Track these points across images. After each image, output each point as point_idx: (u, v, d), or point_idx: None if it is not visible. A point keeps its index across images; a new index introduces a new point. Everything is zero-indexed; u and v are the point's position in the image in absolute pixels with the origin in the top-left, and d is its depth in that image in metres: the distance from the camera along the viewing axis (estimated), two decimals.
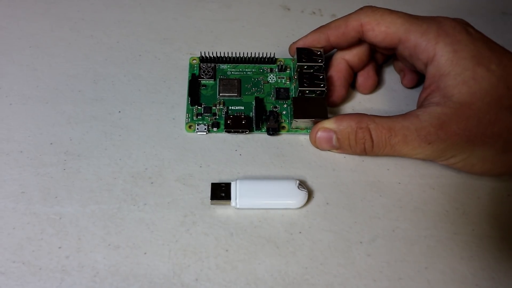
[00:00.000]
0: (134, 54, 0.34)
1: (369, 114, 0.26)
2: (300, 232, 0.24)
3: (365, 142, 0.26)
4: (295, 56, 0.29)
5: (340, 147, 0.27)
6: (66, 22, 0.36)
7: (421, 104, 0.26)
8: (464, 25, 0.25)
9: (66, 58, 0.33)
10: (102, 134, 0.28)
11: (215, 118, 0.29)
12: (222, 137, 0.29)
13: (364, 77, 0.31)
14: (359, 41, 0.29)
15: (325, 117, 0.27)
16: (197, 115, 0.29)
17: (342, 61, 0.30)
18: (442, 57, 0.25)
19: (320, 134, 0.27)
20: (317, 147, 0.28)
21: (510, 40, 0.36)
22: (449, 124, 0.24)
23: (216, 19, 0.37)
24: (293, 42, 0.31)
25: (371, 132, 0.25)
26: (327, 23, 0.29)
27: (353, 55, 0.30)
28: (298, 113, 0.27)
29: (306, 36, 0.30)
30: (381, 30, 0.27)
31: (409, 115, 0.25)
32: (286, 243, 0.24)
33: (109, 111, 0.30)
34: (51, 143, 0.27)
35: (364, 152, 0.26)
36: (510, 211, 0.26)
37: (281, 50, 0.35)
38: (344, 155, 0.28)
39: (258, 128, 0.28)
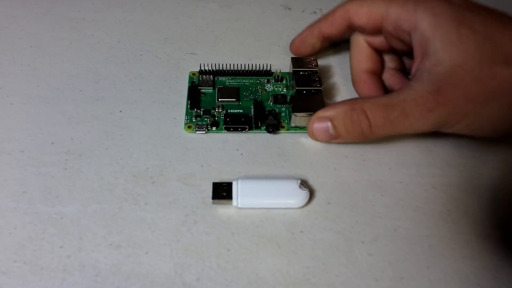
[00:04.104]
0: (135, 53, 0.34)
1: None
2: (301, 232, 0.24)
3: (362, 124, 0.25)
4: (291, 65, 0.30)
5: (338, 135, 0.26)
6: (67, 21, 0.36)
7: (413, 75, 0.26)
8: None
9: (67, 57, 0.33)
10: (103, 133, 0.28)
11: (215, 119, 0.29)
12: (223, 137, 0.29)
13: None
14: (350, 29, 0.29)
15: None
16: (196, 116, 0.29)
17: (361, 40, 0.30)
18: (423, 22, 0.25)
19: (316, 125, 0.26)
20: (316, 139, 0.27)
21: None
22: (446, 87, 0.23)
23: (217, 19, 0.37)
24: (292, 40, 0.32)
25: (366, 112, 0.25)
26: (319, 18, 0.31)
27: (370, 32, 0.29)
28: (297, 108, 0.27)
29: (300, 33, 0.32)
30: (364, 11, 0.27)
31: (403, 88, 0.25)
32: (287, 242, 0.24)
33: (110, 110, 0.29)
34: (52, 143, 0.27)
35: (363, 136, 0.26)
36: None
37: (281, 49, 0.35)
38: (346, 154, 0.28)
39: (258, 127, 0.28)
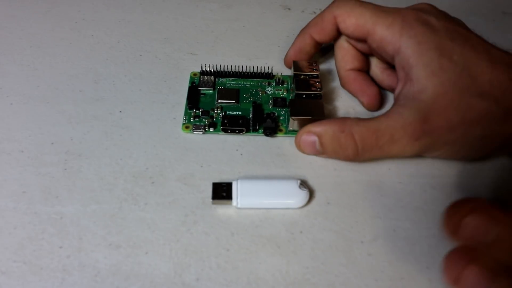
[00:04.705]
0: (135, 54, 0.34)
1: (352, 117, 0.26)
2: (301, 232, 0.24)
3: (349, 147, 0.25)
4: (292, 68, 0.30)
5: (323, 152, 0.27)
6: (67, 22, 0.36)
7: (397, 99, 0.26)
8: (427, 16, 0.26)
9: (67, 57, 0.33)
10: (103, 133, 0.28)
11: (213, 120, 0.29)
12: (223, 137, 0.29)
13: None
14: (339, 32, 0.29)
15: (322, 116, 0.27)
16: (195, 117, 0.29)
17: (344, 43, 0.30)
18: (408, 49, 0.25)
19: (304, 137, 0.27)
20: (302, 151, 0.27)
21: (510, 39, 0.36)
22: (432, 116, 0.24)
23: (216, 19, 0.37)
24: (285, 55, 0.32)
25: (354, 136, 0.25)
26: (308, 23, 0.31)
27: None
28: (295, 112, 0.27)
29: (293, 43, 0.32)
30: (351, 22, 0.28)
31: (391, 114, 0.25)
32: (287, 242, 0.24)
33: (110, 110, 0.30)
34: (52, 143, 0.27)
35: (349, 158, 0.26)
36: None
37: (281, 50, 0.35)
38: None
39: (256, 129, 0.28)
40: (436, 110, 0.24)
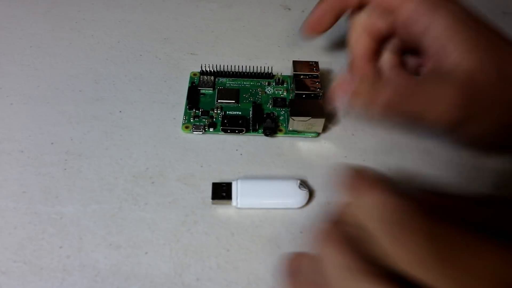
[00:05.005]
0: (135, 54, 0.34)
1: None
2: (301, 232, 0.24)
3: (384, 92, 0.24)
4: (292, 68, 0.30)
5: (357, 93, 0.25)
6: (67, 22, 0.36)
7: (428, 77, 0.26)
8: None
9: (67, 57, 0.33)
10: (103, 133, 0.28)
11: (213, 120, 0.29)
12: (223, 137, 0.29)
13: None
14: (361, 6, 0.29)
15: (322, 116, 0.27)
16: (195, 117, 0.29)
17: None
18: (441, 25, 0.25)
19: (345, 77, 0.26)
20: (334, 95, 0.26)
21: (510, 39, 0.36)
22: (468, 91, 0.24)
23: (216, 19, 0.37)
24: (304, 24, 0.30)
25: (392, 84, 0.24)
26: None
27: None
28: (294, 112, 0.27)
29: (313, 12, 0.30)
30: None
31: (430, 80, 0.25)
32: (287, 242, 0.24)
33: (110, 110, 0.30)
34: (52, 143, 0.27)
35: (382, 105, 0.25)
36: None
37: (281, 50, 0.35)
38: (345, 154, 0.28)
39: (255, 129, 0.28)
40: (472, 86, 0.24)
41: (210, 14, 0.38)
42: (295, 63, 0.30)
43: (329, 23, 0.30)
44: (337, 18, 0.30)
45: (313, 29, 0.30)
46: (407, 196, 0.17)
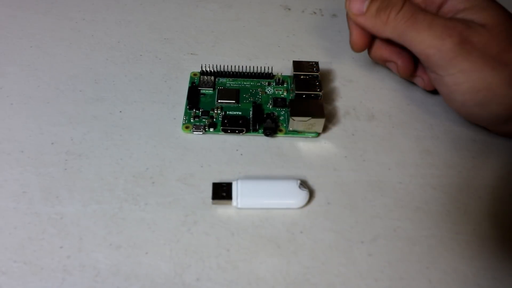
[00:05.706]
0: (135, 54, 0.34)
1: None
2: (301, 232, 0.24)
3: (395, 6, 0.26)
4: (292, 68, 0.30)
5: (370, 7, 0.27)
6: (67, 22, 0.36)
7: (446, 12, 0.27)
8: None
9: (67, 58, 0.33)
10: (103, 134, 0.28)
11: (213, 120, 0.29)
12: (223, 137, 0.29)
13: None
14: None
15: (322, 116, 0.27)
16: (195, 117, 0.29)
17: None
18: None
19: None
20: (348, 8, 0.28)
21: None
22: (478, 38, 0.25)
23: (217, 19, 0.37)
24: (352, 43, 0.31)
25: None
26: None
27: None
28: (295, 112, 0.27)
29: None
30: None
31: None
32: (287, 242, 0.24)
33: (110, 111, 0.30)
34: (52, 143, 0.27)
35: (391, 20, 0.27)
36: (511, 211, 0.26)
37: (281, 50, 0.35)
38: (346, 154, 0.28)
39: (256, 130, 0.28)
40: (489, 34, 0.25)
41: (210, 14, 0.38)
42: (295, 63, 0.30)
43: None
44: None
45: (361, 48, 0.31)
46: None
